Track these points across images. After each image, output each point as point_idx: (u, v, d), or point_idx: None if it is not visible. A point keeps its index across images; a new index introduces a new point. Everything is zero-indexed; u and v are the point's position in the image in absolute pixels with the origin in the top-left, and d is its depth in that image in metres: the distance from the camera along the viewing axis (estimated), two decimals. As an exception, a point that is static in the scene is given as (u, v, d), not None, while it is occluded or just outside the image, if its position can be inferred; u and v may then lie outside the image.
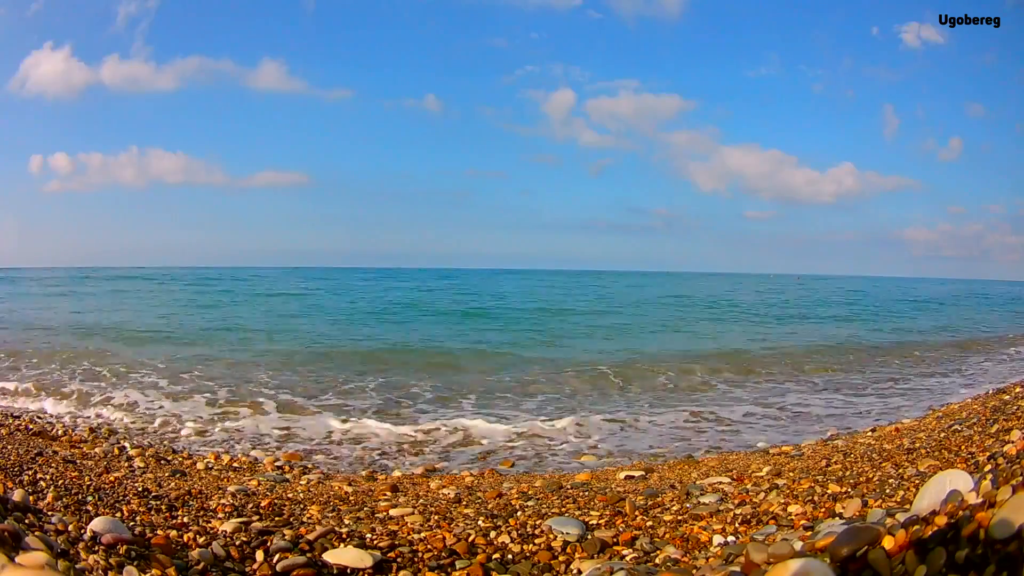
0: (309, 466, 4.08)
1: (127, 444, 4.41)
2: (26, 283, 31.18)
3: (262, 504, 2.64)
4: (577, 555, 2.06)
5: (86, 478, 2.93)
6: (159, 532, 2.01)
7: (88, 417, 5.56)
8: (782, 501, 2.51)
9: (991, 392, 5.88)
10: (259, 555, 1.90)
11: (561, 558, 2.04)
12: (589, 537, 2.19)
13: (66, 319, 13.92)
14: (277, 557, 1.89)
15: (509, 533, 2.27)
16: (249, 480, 3.44)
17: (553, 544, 2.15)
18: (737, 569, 1.49)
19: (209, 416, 5.72)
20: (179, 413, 5.75)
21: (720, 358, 9.64)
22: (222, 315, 15.99)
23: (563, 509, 2.64)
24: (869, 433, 4.37)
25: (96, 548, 1.66)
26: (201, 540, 1.99)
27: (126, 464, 3.67)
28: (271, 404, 6.14)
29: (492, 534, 2.26)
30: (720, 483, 3.04)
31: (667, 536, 2.21)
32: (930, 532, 1.12)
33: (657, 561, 1.95)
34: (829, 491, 2.57)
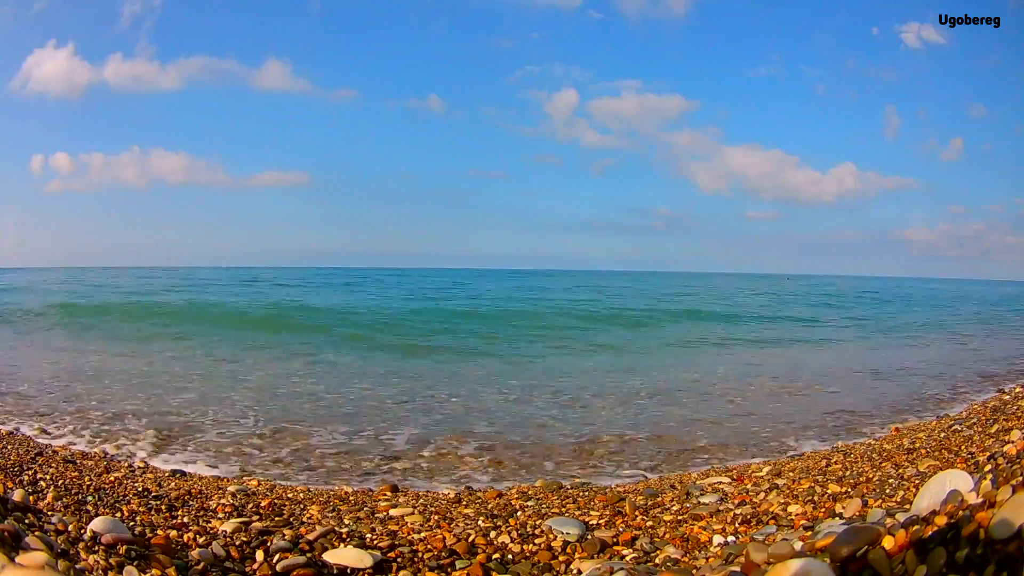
0: (310, 466, 4.07)
1: (127, 442, 4.40)
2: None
3: (262, 504, 2.64)
4: (577, 555, 2.06)
5: (86, 478, 2.93)
6: (159, 532, 2.01)
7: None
8: (782, 501, 2.51)
9: (991, 392, 5.88)
10: (259, 555, 1.91)
11: (561, 558, 2.04)
12: (589, 537, 2.19)
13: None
14: (277, 557, 1.89)
15: (509, 533, 2.27)
16: (249, 480, 3.44)
17: (553, 544, 2.15)
18: (737, 569, 1.49)
19: (212, 415, 5.71)
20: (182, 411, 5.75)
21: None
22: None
23: (563, 509, 2.64)
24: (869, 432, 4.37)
25: (96, 548, 1.66)
26: (201, 540, 1.99)
27: (126, 464, 3.66)
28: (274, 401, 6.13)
29: (492, 534, 2.26)
30: (720, 483, 3.04)
31: (667, 536, 2.21)
32: (930, 532, 1.12)
33: (657, 561, 1.95)
34: (829, 491, 2.57)
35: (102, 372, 7.36)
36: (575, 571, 1.93)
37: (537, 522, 2.39)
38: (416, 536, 2.22)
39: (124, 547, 1.71)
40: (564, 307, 18.91)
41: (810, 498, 2.50)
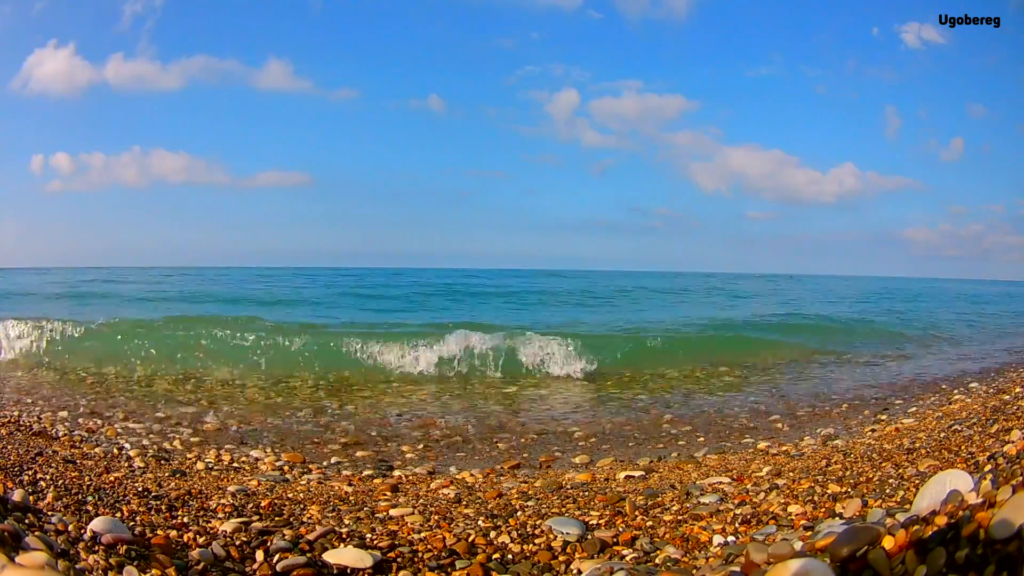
0: (310, 467, 4.07)
1: (127, 444, 4.41)
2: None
3: (262, 504, 2.64)
4: (577, 555, 2.06)
5: (86, 478, 2.93)
6: (159, 532, 2.01)
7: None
8: (782, 501, 2.51)
9: (991, 392, 5.88)
10: (259, 555, 1.91)
11: (561, 558, 2.04)
12: (589, 537, 2.19)
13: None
14: (277, 557, 1.89)
15: (509, 533, 2.27)
16: (249, 480, 3.44)
17: (553, 544, 2.15)
18: (737, 569, 1.49)
19: (212, 416, 5.71)
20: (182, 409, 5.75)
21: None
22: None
23: (563, 509, 2.64)
24: (869, 433, 4.37)
25: (96, 548, 1.66)
26: (201, 540, 1.99)
27: (126, 464, 3.66)
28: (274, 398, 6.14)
29: (492, 534, 2.26)
30: (720, 483, 3.04)
31: (667, 536, 2.21)
32: (930, 532, 1.13)
33: (657, 561, 1.95)
34: (829, 491, 2.57)
35: (100, 373, 7.37)
36: (575, 571, 1.93)
37: (537, 522, 2.39)
38: (416, 536, 2.22)
39: (124, 547, 1.71)
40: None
41: (810, 498, 2.50)
